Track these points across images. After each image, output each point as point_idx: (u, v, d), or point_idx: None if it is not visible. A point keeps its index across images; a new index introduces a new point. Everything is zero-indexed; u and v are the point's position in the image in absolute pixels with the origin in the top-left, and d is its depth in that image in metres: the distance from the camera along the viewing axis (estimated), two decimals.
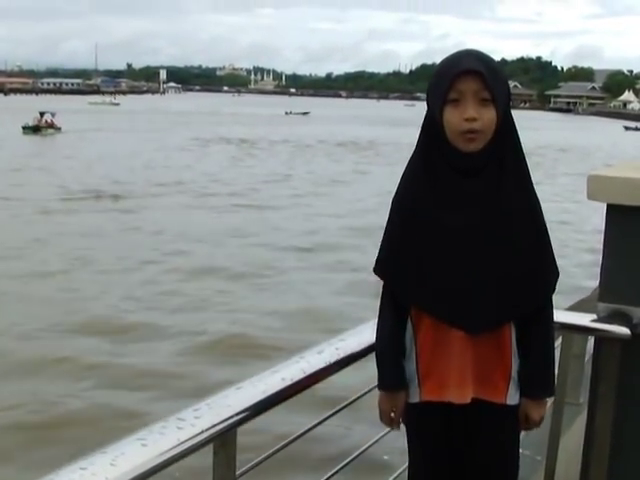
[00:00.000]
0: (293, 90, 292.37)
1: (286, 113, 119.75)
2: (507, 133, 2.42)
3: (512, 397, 2.54)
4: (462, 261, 2.40)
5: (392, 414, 2.60)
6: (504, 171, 2.41)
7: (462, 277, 2.41)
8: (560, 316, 3.01)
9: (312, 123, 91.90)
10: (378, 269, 2.56)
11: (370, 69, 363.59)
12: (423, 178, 2.44)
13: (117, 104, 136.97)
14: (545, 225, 2.50)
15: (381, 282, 2.59)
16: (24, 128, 58.28)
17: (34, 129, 58.39)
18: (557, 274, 2.54)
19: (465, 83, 2.33)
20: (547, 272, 2.52)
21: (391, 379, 2.57)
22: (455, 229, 2.39)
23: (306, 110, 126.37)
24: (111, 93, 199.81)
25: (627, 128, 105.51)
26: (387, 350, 2.57)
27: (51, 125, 59.76)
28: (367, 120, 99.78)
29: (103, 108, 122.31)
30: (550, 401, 3.09)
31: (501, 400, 2.51)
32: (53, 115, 60.43)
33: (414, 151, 2.50)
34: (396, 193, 2.53)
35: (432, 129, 2.43)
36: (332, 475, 2.76)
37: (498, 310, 2.44)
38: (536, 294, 2.51)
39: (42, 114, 60.21)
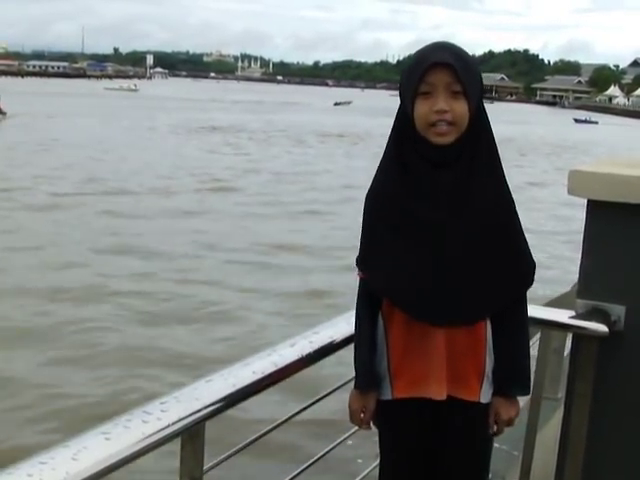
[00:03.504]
0: (280, 78, 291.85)
1: (335, 104, 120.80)
2: (480, 126, 2.39)
3: (485, 395, 2.51)
4: (432, 254, 2.37)
5: (362, 414, 2.57)
6: (476, 164, 2.38)
7: (433, 270, 2.37)
8: (539, 312, 2.99)
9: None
10: (359, 264, 2.54)
11: (359, 58, 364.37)
12: (395, 171, 2.41)
13: (136, 90, 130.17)
14: (517, 218, 2.48)
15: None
16: None
17: None
18: (533, 268, 2.51)
19: (436, 76, 2.30)
20: (520, 266, 2.49)
21: (363, 378, 2.55)
22: (425, 220, 2.36)
23: (349, 100, 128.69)
24: (97, 77, 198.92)
25: (577, 120, 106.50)
26: (361, 348, 2.54)
27: None
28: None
29: (118, 94, 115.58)
30: (527, 397, 3.07)
31: (474, 398, 2.49)
32: None
33: (387, 144, 2.47)
34: (370, 187, 2.50)
35: (404, 122, 2.40)
36: (300, 472, 2.72)
37: (470, 304, 2.41)
38: (509, 288, 2.48)
39: None
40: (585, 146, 58.23)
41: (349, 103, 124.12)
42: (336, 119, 73.92)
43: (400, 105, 2.44)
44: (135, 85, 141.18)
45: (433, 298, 2.38)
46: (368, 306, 2.54)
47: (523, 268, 2.50)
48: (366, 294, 2.54)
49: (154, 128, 53.31)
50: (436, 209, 2.35)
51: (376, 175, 2.49)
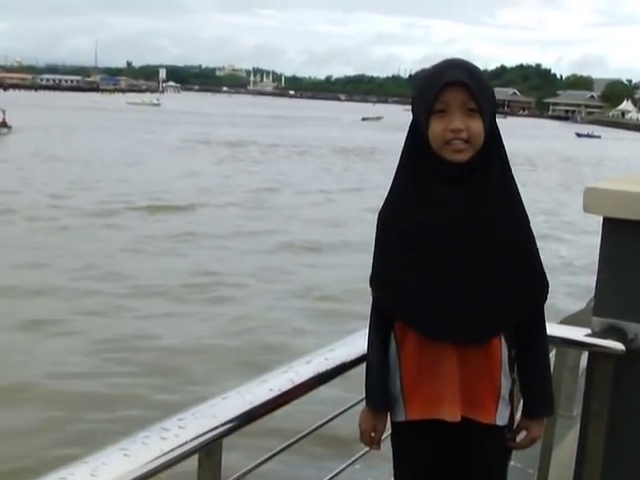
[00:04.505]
0: (292, 92, 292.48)
1: (363, 119, 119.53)
2: (493, 143, 2.38)
3: (501, 417, 2.47)
4: (445, 270, 2.35)
5: (372, 434, 2.55)
6: (488, 180, 2.36)
7: (446, 287, 2.35)
8: (554, 330, 2.97)
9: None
10: (373, 284, 2.52)
11: (372, 73, 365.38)
12: (409, 187, 2.40)
13: (158, 104, 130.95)
14: (532, 236, 2.45)
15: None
16: None
17: None
18: (547, 287, 2.48)
19: (451, 94, 2.29)
20: (533, 285, 2.46)
21: (376, 397, 2.52)
22: (438, 237, 2.34)
23: (379, 115, 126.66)
24: (110, 91, 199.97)
25: (579, 135, 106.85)
26: (374, 368, 2.52)
27: (3, 123, 56.54)
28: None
29: (143, 108, 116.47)
30: None
31: (490, 420, 2.44)
32: (4, 112, 56.92)
33: (399, 160, 2.45)
34: (383, 204, 2.48)
35: (417, 138, 2.39)
36: None
37: (484, 321, 2.38)
38: (523, 305, 2.45)
39: None
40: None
41: (379, 119, 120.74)
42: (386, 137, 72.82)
43: (412, 120, 2.42)
44: (157, 99, 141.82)
45: (446, 315, 2.36)
46: (381, 325, 2.51)
47: (537, 285, 2.47)
48: (379, 313, 2.52)
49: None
50: (449, 225, 2.33)
51: (389, 191, 2.47)
